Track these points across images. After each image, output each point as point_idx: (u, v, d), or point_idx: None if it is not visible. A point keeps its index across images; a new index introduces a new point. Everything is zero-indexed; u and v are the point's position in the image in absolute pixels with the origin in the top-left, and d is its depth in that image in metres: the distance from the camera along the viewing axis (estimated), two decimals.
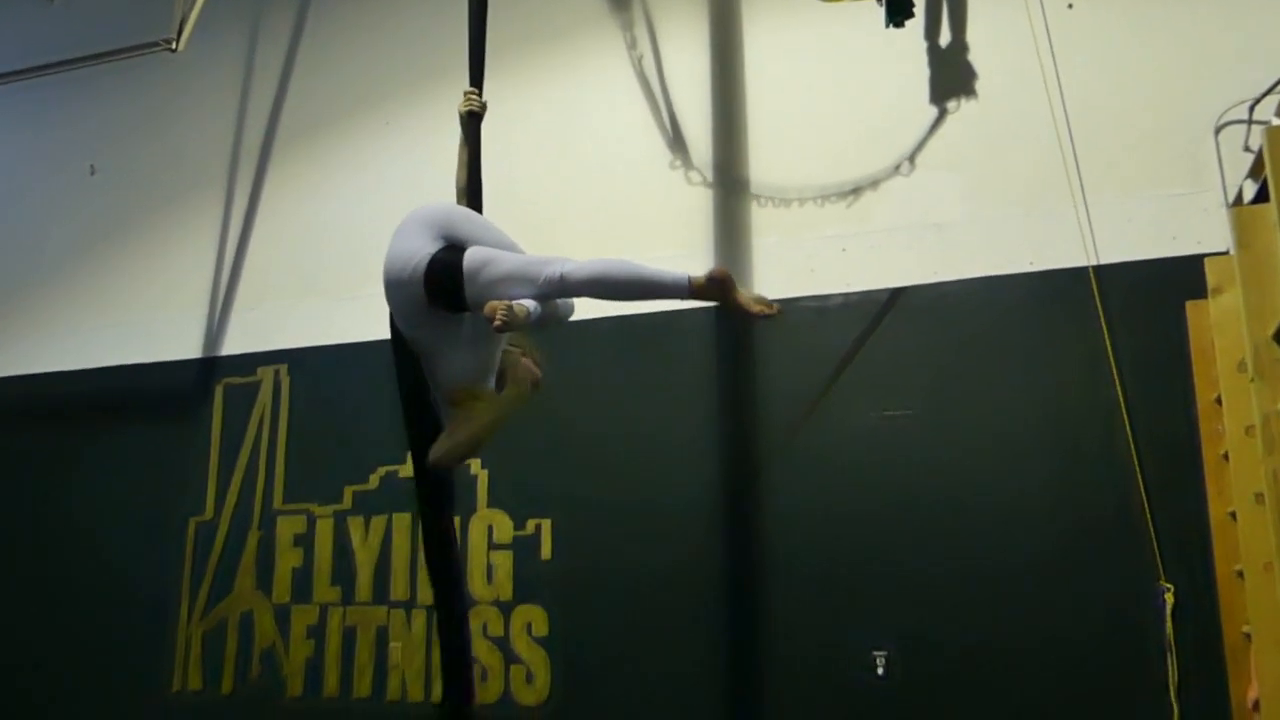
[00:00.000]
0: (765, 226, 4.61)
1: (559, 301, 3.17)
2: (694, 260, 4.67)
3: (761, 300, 2.89)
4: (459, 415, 3.06)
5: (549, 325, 3.19)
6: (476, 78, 3.59)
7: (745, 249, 4.62)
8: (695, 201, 4.78)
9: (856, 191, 4.52)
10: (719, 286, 2.82)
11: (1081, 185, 4.17)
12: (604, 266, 2.85)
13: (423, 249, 2.93)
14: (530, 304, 2.87)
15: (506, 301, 2.78)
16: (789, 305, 4.42)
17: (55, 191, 6.20)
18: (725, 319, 4.53)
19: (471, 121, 3.53)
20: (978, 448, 4.09)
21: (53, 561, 5.56)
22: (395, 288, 2.96)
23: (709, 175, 4.79)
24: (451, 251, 2.93)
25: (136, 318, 5.78)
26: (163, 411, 5.55)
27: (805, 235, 4.54)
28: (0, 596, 5.65)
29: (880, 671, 4.02)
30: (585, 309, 4.54)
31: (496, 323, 2.73)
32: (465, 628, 3.97)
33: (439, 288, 2.89)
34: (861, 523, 4.16)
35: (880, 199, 4.48)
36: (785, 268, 4.52)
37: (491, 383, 3.11)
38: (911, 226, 4.40)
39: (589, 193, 4.96)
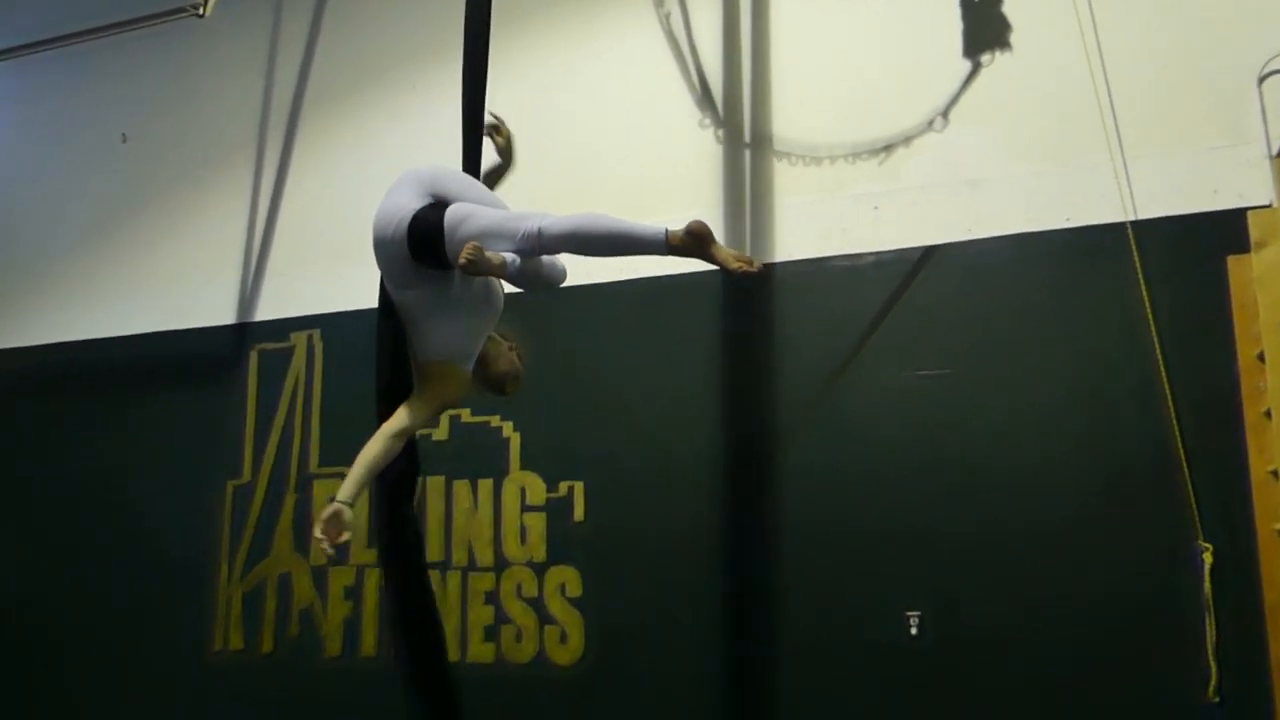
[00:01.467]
0: (796, 185, 4.57)
1: (548, 264, 3.15)
2: (722, 221, 4.64)
3: (741, 256, 2.86)
4: (427, 390, 3.07)
5: (537, 287, 3.18)
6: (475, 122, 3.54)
7: (775, 208, 4.59)
8: (723, 161, 4.74)
9: (888, 148, 4.45)
10: (697, 241, 2.80)
11: (1119, 139, 4.08)
12: (580, 221, 2.85)
13: (407, 206, 2.95)
14: (509, 256, 2.86)
15: (478, 244, 2.77)
16: (821, 265, 4.43)
17: (88, 159, 6.25)
18: (755, 280, 4.48)
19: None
20: (1012, 407, 4.05)
21: (94, 526, 5.67)
22: (381, 246, 2.99)
23: (737, 134, 4.74)
24: (436, 209, 2.94)
25: (171, 284, 5.84)
26: (199, 377, 5.63)
27: (836, 194, 4.49)
28: (44, 562, 5.78)
29: (914, 632, 4.02)
30: (615, 271, 4.62)
31: (462, 260, 2.73)
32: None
33: (422, 244, 2.91)
34: (894, 483, 4.15)
35: (913, 155, 4.41)
36: (816, 227, 4.48)
37: (470, 366, 3.12)
38: (945, 183, 4.34)
39: (614, 155, 4.93)
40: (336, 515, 2.89)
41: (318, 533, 2.89)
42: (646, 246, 2.84)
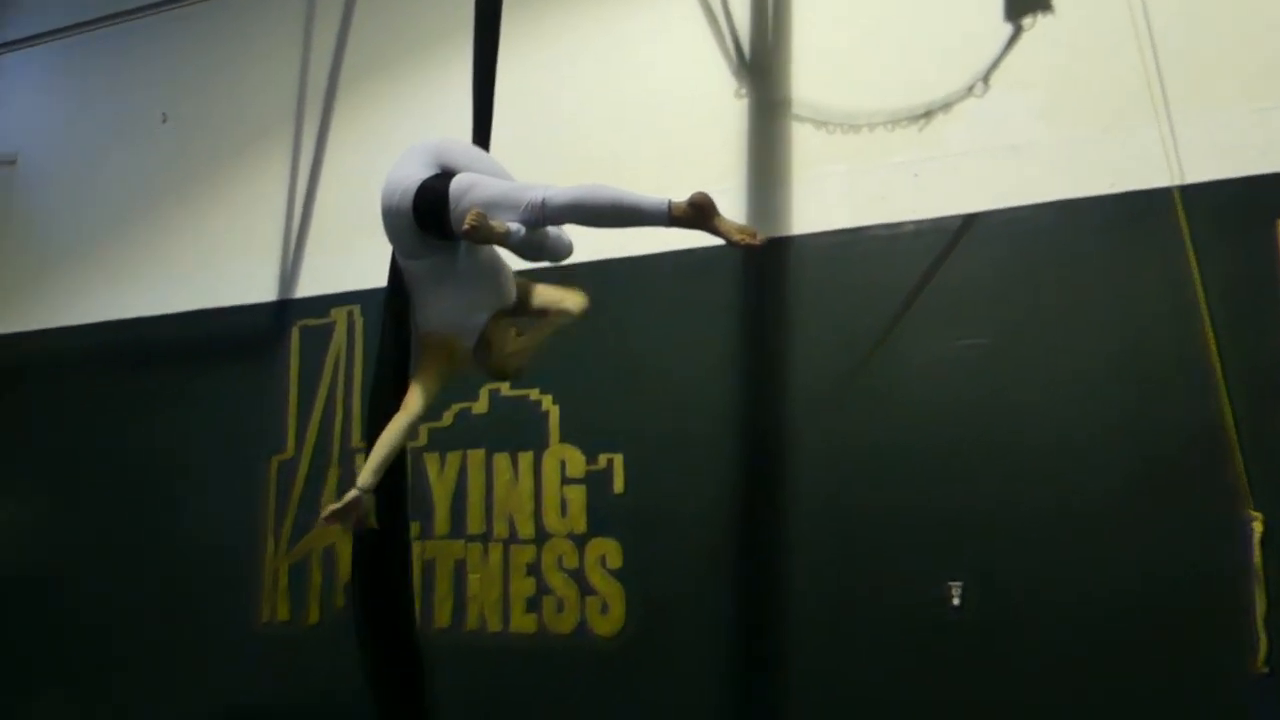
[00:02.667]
0: (833, 154, 4.53)
1: (553, 236, 3.17)
2: (758, 193, 4.61)
3: (744, 229, 2.84)
4: (425, 362, 3.09)
5: (541, 258, 3.22)
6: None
7: (812, 178, 4.56)
8: (759, 130, 4.71)
9: (928, 115, 4.40)
10: (699, 212, 2.79)
11: (1165, 101, 3.99)
12: (583, 192, 2.85)
13: (413, 176, 2.98)
14: (513, 225, 2.86)
15: (480, 211, 2.78)
16: (859, 235, 4.40)
17: (129, 141, 6.34)
18: (793, 251, 4.47)
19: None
20: (1055, 379, 4.01)
21: (142, 503, 5.81)
22: (388, 215, 3.03)
23: (773, 103, 4.70)
24: (442, 179, 2.97)
25: (212, 263, 5.93)
26: (242, 354, 5.72)
27: (875, 162, 4.45)
28: (93, 538, 5.92)
29: (956, 602, 4.00)
30: (651, 243, 4.61)
31: (465, 227, 2.75)
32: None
33: (428, 214, 2.93)
34: (933, 456, 4.13)
35: (953, 121, 4.36)
36: (855, 196, 4.45)
37: (468, 341, 3.11)
38: (986, 149, 4.28)
39: (645, 124, 4.91)
40: (356, 503, 2.94)
41: (325, 514, 2.95)
42: (649, 218, 2.83)
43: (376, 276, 5.26)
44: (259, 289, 5.72)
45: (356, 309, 5.42)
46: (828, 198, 4.49)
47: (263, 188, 5.83)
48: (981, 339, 4.13)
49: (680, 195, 2.85)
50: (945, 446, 4.11)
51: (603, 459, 4.74)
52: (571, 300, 3.33)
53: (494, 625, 4.82)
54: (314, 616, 5.22)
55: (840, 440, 4.29)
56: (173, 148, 6.17)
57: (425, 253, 3.04)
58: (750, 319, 4.56)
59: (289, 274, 5.67)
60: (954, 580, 4.02)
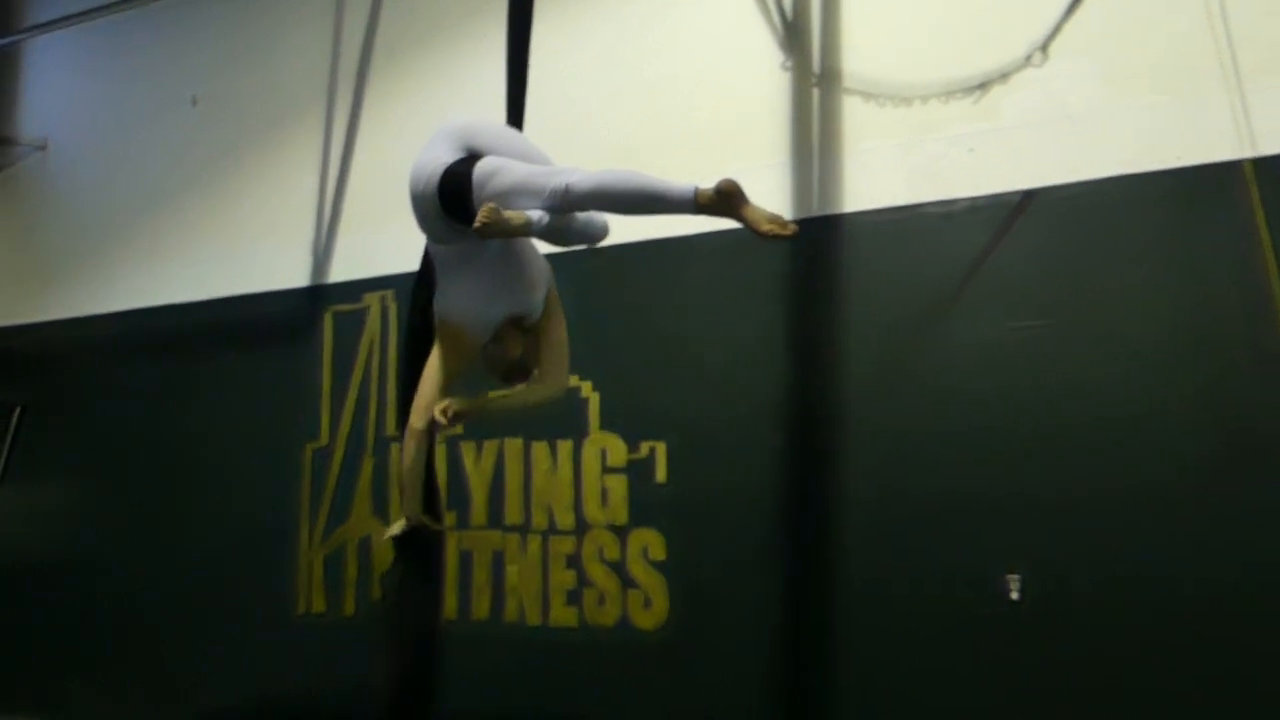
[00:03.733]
0: (884, 128, 4.54)
1: (583, 220, 3.14)
2: (804, 170, 4.62)
3: (775, 218, 2.78)
4: (439, 354, 3.13)
5: (570, 243, 3.18)
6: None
7: (862, 153, 4.57)
8: (805, 104, 4.72)
9: (984, 86, 4.39)
10: (726, 200, 2.77)
11: (1236, 68, 3.96)
12: (608, 178, 2.84)
13: (440, 159, 3.00)
14: (534, 213, 2.88)
15: (494, 205, 2.79)
16: (911, 212, 4.41)
17: (159, 123, 6.50)
18: (842, 230, 4.48)
19: None
20: (1119, 361, 4.00)
21: (175, 492, 5.97)
22: (415, 200, 3.04)
23: (821, 75, 4.71)
24: (467, 163, 2.98)
25: (243, 248, 6.06)
26: (275, 341, 5.85)
27: (928, 136, 4.46)
28: (126, 527, 6.09)
29: (1015, 595, 4.01)
30: (692, 224, 4.63)
31: (476, 224, 2.76)
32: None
33: (453, 199, 2.95)
34: (992, 441, 4.14)
35: (1010, 93, 4.35)
36: (907, 172, 4.46)
37: (483, 335, 3.11)
38: (1045, 121, 4.27)
39: (688, 98, 4.95)
40: (416, 527, 3.15)
41: (388, 535, 3.14)
42: (674, 205, 2.82)
43: (411, 260, 5.31)
44: (291, 274, 5.85)
45: (390, 294, 5.51)
46: (878, 174, 4.50)
47: (294, 169, 5.95)
48: (1040, 321, 4.12)
49: (721, 174, 2.85)
50: (1002, 432, 4.11)
51: (644, 447, 4.79)
52: (554, 381, 3.31)
53: (533, 618, 4.90)
54: (350, 608, 5.34)
55: (892, 427, 4.30)
56: (203, 130, 6.31)
57: (452, 238, 3.07)
58: (797, 301, 4.59)
59: (321, 258, 5.78)
60: (1012, 573, 4.03)
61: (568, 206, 2.91)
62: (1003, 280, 4.22)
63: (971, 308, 4.26)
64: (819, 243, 4.54)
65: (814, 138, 4.66)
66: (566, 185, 2.84)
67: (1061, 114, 4.24)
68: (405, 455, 3.19)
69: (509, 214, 2.82)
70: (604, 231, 3.25)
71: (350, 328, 5.61)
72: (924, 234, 4.38)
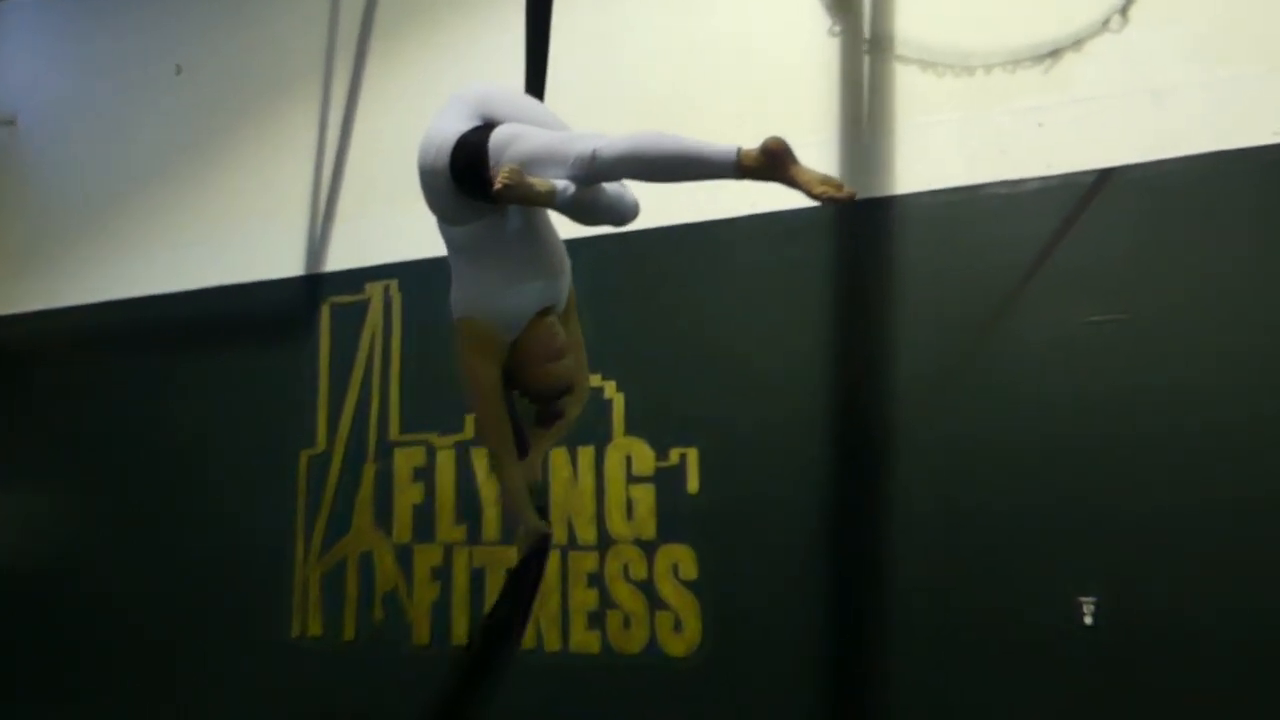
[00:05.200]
0: (944, 101, 4.52)
1: (613, 194, 3.10)
2: (854, 146, 4.61)
3: (828, 180, 2.71)
4: (471, 365, 3.08)
5: (597, 220, 3.14)
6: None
7: (918, 128, 4.55)
8: (856, 74, 4.70)
9: (1055, 54, 4.37)
10: (773, 161, 2.69)
11: None
12: (639, 141, 2.79)
13: (451, 129, 2.97)
14: (560, 182, 2.84)
15: (516, 166, 2.75)
16: (973, 194, 4.40)
17: (140, 95, 6.53)
18: (896, 213, 4.47)
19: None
20: (1205, 361, 3.98)
21: (155, 500, 6.01)
22: (425, 175, 3.01)
23: (873, 42, 4.69)
24: (482, 132, 2.95)
25: (232, 233, 6.09)
26: (266, 335, 5.89)
27: (993, 109, 4.44)
28: (101, 538, 6.15)
29: (1088, 620, 3.99)
30: (729, 205, 4.63)
31: (497, 184, 2.72)
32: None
33: (467, 172, 2.91)
34: (1063, 450, 4.12)
35: (1085, 61, 4.32)
36: (969, 149, 4.44)
37: (511, 335, 3.03)
38: (1124, 93, 4.25)
39: (721, 70, 4.93)
40: (541, 539, 3.23)
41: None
42: (715, 168, 2.76)
43: (416, 247, 5.40)
44: (284, 262, 5.87)
45: (394, 284, 5.53)
46: (936, 151, 4.48)
47: (288, 147, 5.97)
48: (1117, 315, 4.10)
49: None
50: (1075, 439, 4.09)
51: (674, 454, 4.79)
52: (582, 390, 3.34)
53: (552, 643, 4.90)
54: (349, 633, 5.36)
55: (951, 433, 4.29)
56: (188, 103, 6.33)
57: (466, 218, 3.01)
58: (845, 292, 4.57)
59: (317, 244, 5.81)
60: (1086, 595, 4.01)
61: (595, 175, 2.86)
62: (1075, 270, 4.20)
63: (1039, 301, 4.23)
64: (870, 228, 4.52)
65: (864, 111, 4.64)
66: (593, 151, 2.80)
67: (1142, 85, 4.21)
68: (503, 479, 3.20)
69: (533, 179, 2.78)
70: (634, 209, 3.20)
71: (350, 321, 5.63)
72: (986, 218, 4.35)
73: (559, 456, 5.00)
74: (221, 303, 5.99)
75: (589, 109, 3.53)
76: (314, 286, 5.77)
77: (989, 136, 4.42)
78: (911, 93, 4.57)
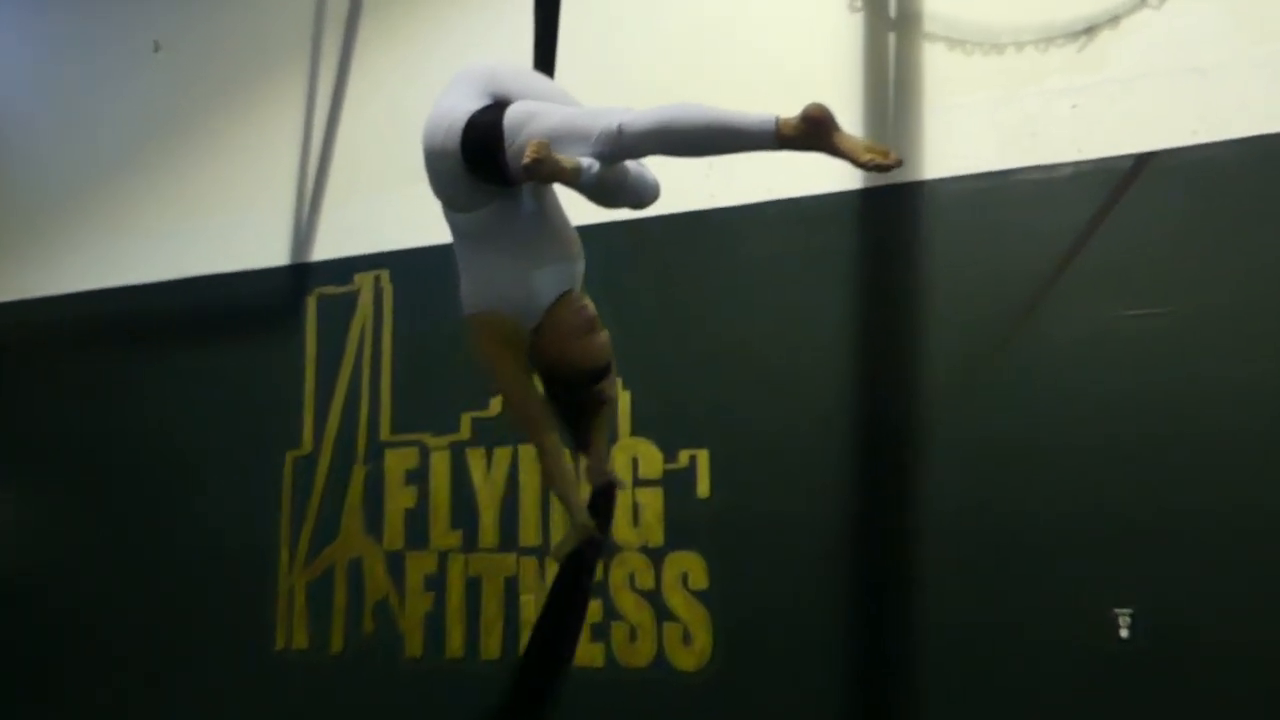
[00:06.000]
0: (972, 80, 4.51)
1: (635, 173, 3.09)
2: (877, 129, 4.61)
3: (874, 146, 2.71)
4: (493, 362, 3.09)
5: (620, 202, 3.14)
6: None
7: (943, 110, 4.55)
8: (877, 52, 4.71)
9: (1090, 30, 4.37)
10: (815, 129, 2.69)
11: None
12: (668, 113, 2.78)
13: (460, 108, 2.96)
14: (585, 160, 2.83)
15: (544, 140, 2.73)
16: (1002, 180, 4.41)
17: (115, 73, 6.53)
18: (921, 200, 4.47)
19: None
20: (1251, 358, 3.97)
21: (130, 504, 6.01)
22: (431, 158, 3.00)
23: (897, 18, 4.70)
24: (495, 110, 2.94)
25: (212, 220, 6.09)
26: (248, 329, 5.89)
27: (1023, 89, 4.43)
28: (73, 543, 6.16)
29: (1124, 634, 3.99)
30: (744, 193, 4.64)
31: (526, 159, 2.69)
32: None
33: (479, 154, 2.91)
34: (1098, 452, 4.11)
35: (1122, 39, 4.32)
36: (998, 132, 4.44)
37: (531, 324, 3.02)
38: (1164, 73, 4.24)
39: (735, 48, 4.93)
40: (592, 540, 3.23)
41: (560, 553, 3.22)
42: (752, 139, 2.75)
43: (409, 234, 5.42)
44: (267, 250, 5.87)
45: (385, 274, 5.54)
46: (963, 135, 4.48)
47: (273, 128, 5.97)
48: (1158, 308, 4.10)
49: None
50: (1112, 442, 4.09)
51: (684, 456, 4.79)
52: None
53: None
54: (337, 645, 5.35)
55: (980, 434, 4.29)
56: (166, 82, 6.33)
57: (477, 203, 3.01)
58: (866, 285, 4.57)
59: (304, 232, 5.81)
60: (1121, 607, 4.01)
61: (621, 151, 2.85)
62: (1111, 262, 4.19)
63: (1073, 295, 4.23)
64: (892, 216, 4.53)
65: (889, 91, 4.64)
66: (619, 125, 2.78)
67: (1185, 63, 4.20)
68: (547, 469, 3.19)
69: (560, 156, 2.76)
70: (655, 190, 3.20)
71: (338, 314, 5.63)
72: (1016, 207, 4.35)
73: None
74: (201, 294, 5.99)
75: (598, 89, 3.51)
76: (299, 277, 5.77)
77: (1019, 119, 4.42)
78: (937, 73, 4.57)
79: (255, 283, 5.87)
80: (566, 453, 3.26)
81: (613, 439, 4.87)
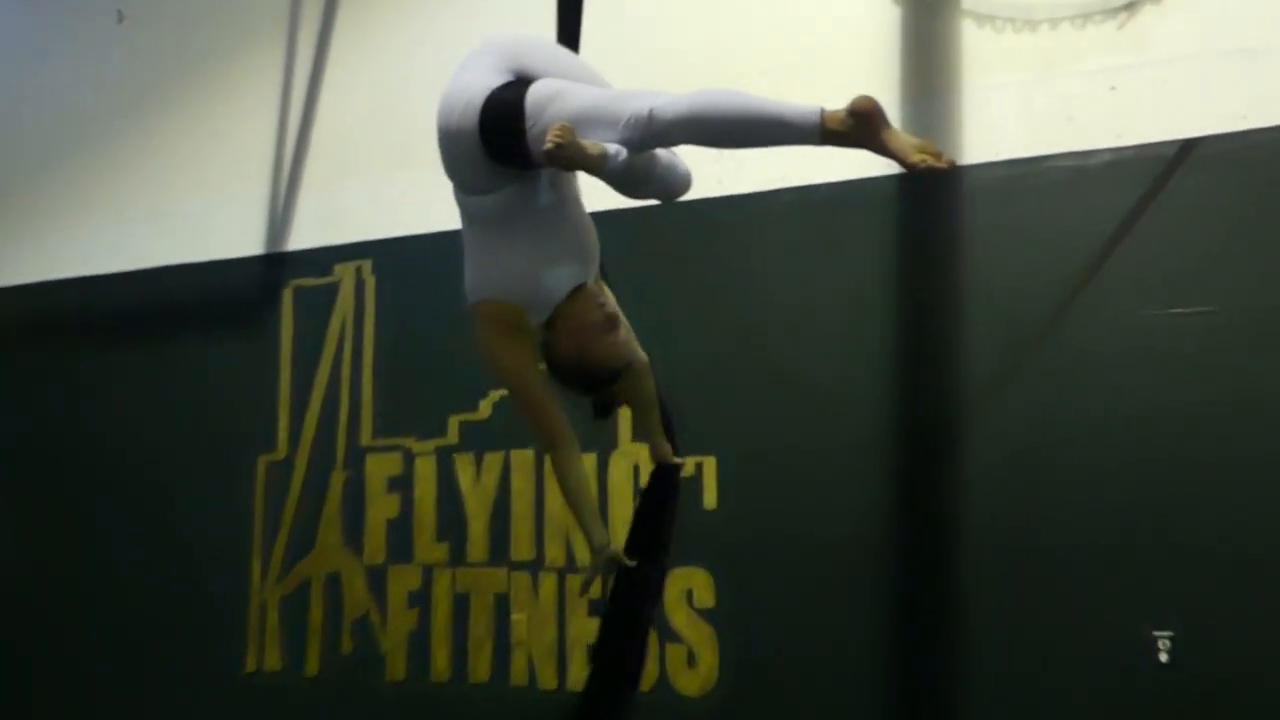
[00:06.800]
0: (1004, 60, 4.52)
1: (664, 163, 3.07)
2: (904, 112, 4.60)
3: (925, 145, 2.66)
4: (500, 350, 3.06)
5: (647, 192, 3.11)
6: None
7: (974, 91, 4.54)
8: (905, 32, 4.70)
9: (1131, 6, 4.37)
10: (863, 124, 2.64)
11: None
12: (705, 100, 2.75)
13: (479, 84, 2.93)
14: (612, 146, 2.78)
15: (568, 124, 2.70)
16: (1035, 167, 4.41)
17: (78, 47, 6.52)
18: (948, 188, 4.46)
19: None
20: None
21: (92, 514, 5.99)
22: (446, 137, 2.97)
23: None
24: (515, 88, 2.92)
25: (181, 206, 6.09)
26: (218, 324, 5.88)
27: (1059, 70, 4.43)
28: (27, 554, 6.13)
29: (1164, 658, 3.99)
30: (759, 179, 4.62)
31: (548, 144, 2.65)
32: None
33: (498, 134, 2.88)
34: (1135, 464, 4.11)
35: (1165, 16, 4.32)
36: (1031, 116, 4.44)
37: (542, 317, 3.03)
38: (1209, 54, 4.24)
39: (761, 27, 4.93)
40: (610, 561, 3.17)
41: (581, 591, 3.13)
42: (794, 133, 2.70)
43: (394, 223, 5.42)
44: (241, 239, 5.86)
45: (367, 265, 5.53)
46: (994, 118, 4.48)
47: (247, 107, 5.96)
48: (1205, 306, 4.09)
49: None
50: (1152, 453, 4.08)
51: (689, 463, 4.73)
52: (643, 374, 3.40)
53: (546, 680, 4.90)
54: (313, 667, 5.35)
55: (1009, 441, 4.28)
56: (131, 55, 6.32)
57: (492, 187, 2.98)
58: (889, 279, 4.57)
59: (280, 219, 5.80)
60: (1161, 630, 4.01)
61: (651, 139, 2.81)
62: (1153, 257, 4.18)
63: (1111, 293, 4.22)
64: (918, 205, 4.53)
65: (913, 72, 4.64)
66: (650, 110, 2.74)
67: (1231, 43, 4.20)
68: (562, 478, 3.15)
69: (585, 142, 2.72)
70: (688, 181, 3.18)
71: (316, 308, 5.63)
72: (1050, 196, 4.35)
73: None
74: (168, 286, 5.98)
75: (622, 71, 3.48)
76: (275, 268, 5.76)
77: (1054, 102, 4.42)
78: (967, 51, 4.57)
79: (227, 274, 5.86)
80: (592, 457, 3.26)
81: (612, 445, 4.87)
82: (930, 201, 4.51)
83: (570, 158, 2.70)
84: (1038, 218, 4.36)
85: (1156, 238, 4.20)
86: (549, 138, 2.64)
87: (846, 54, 4.72)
